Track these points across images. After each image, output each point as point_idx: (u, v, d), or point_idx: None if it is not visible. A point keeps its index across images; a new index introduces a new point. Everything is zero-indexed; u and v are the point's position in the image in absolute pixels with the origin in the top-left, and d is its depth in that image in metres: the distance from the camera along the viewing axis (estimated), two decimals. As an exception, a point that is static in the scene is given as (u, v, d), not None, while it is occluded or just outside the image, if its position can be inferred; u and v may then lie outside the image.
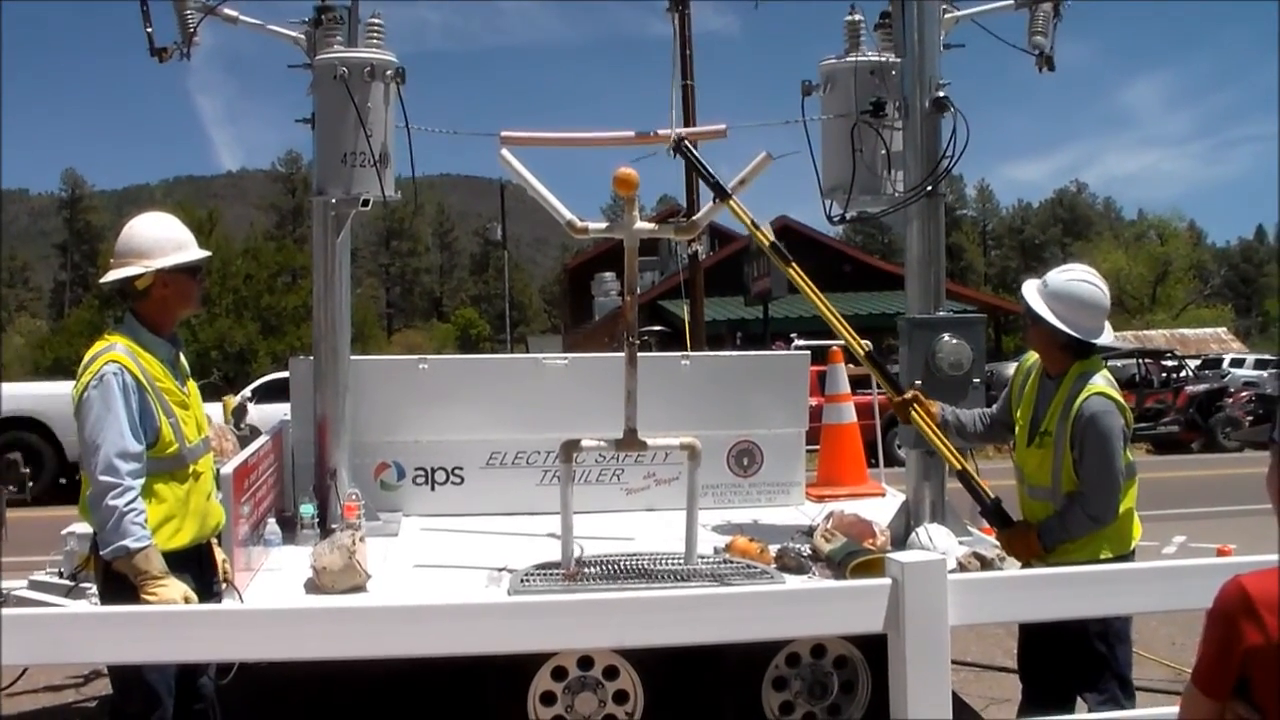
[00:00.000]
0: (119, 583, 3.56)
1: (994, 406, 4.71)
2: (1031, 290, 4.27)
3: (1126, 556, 4.14)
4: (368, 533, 5.44)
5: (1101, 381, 4.13)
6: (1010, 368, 4.65)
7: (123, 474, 3.51)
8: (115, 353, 3.63)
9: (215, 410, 8.67)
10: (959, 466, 4.59)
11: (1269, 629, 2.01)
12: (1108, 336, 4.23)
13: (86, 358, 3.67)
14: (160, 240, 3.80)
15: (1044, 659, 4.26)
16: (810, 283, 5.13)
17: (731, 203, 5.12)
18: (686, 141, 5.35)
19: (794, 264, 5.18)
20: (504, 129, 5.24)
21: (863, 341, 5.14)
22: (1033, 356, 4.43)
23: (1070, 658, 4.11)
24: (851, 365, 8.80)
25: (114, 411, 3.54)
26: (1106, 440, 4.03)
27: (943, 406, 4.74)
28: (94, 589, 4.36)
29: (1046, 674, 4.26)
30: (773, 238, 5.24)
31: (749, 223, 5.21)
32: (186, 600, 3.55)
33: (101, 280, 3.99)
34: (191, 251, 3.86)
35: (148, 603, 3.45)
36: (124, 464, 3.52)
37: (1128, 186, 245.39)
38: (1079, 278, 4.23)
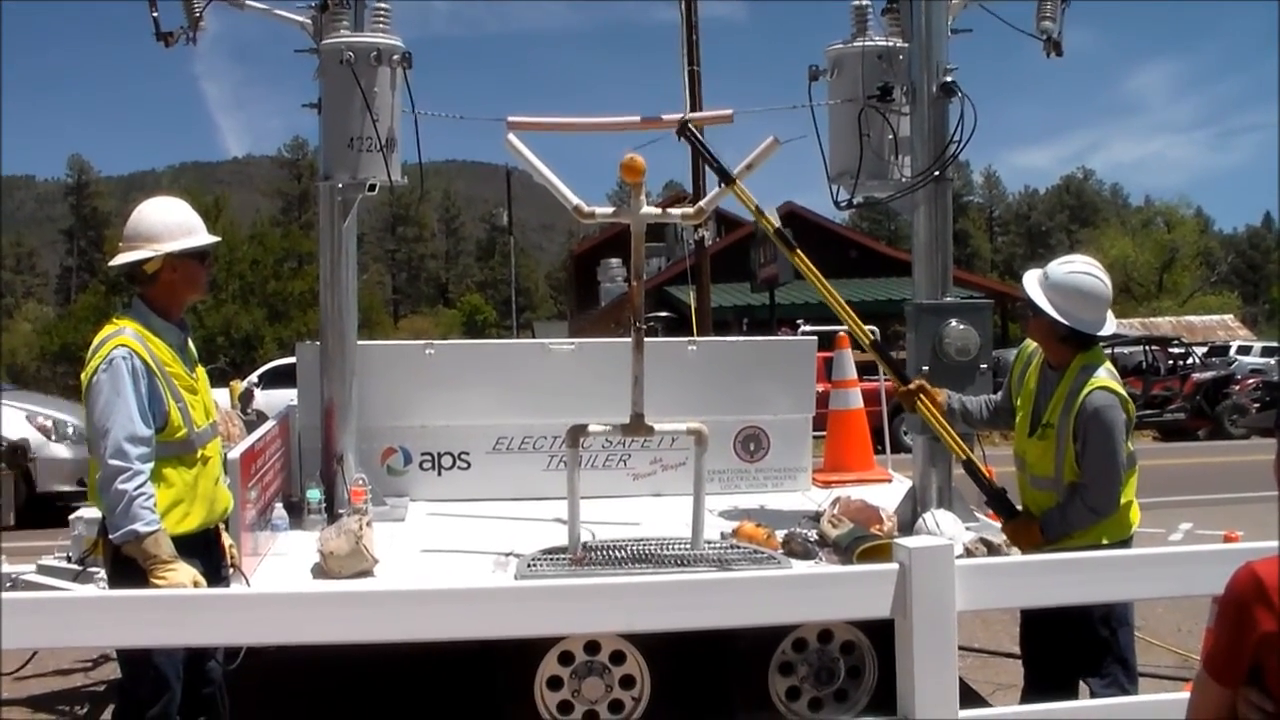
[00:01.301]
0: (128, 567, 3.57)
1: (998, 393, 4.71)
2: (1032, 282, 4.24)
3: (1125, 543, 4.14)
4: (374, 518, 5.46)
5: (1104, 375, 4.10)
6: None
7: (132, 458, 3.52)
8: (124, 337, 3.63)
9: (222, 395, 8.68)
10: (964, 456, 4.59)
11: None
12: (1109, 326, 4.19)
13: (95, 342, 3.68)
14: (169, 225, 3.79)
15: (1046, 644, 4.26)
16: (815, 269, 5.11)
17: (736, 188, 5.10)
18: (691, 125, 5.32)
19: (799, 250, 5.17)
20: (510, 114, 5.23)
21: (868, 329, 5.13)
22: (1032, 344, 4.41)
23: (1072, 642, 4.11)
24: (858, 351, 8.79)
25: (123, 396, 3.54)
26: (1110, 434, 4.01)
27: (949, 393, 4.73)
28: (102, 573, 4.39)
29: (1049, 659, 4.26)
30: (778, 223, 5.22)
31: (754, 208, 5.19)
32: (195, 585, 3.55)
33: (110, 264, 3.99)
34: (200, 236, 3.86)
35: (156, 587, 3.46)
36: (133, 448, 3.52)
37: (1134, 173, 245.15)
38: (1079, 270, 4.19)
